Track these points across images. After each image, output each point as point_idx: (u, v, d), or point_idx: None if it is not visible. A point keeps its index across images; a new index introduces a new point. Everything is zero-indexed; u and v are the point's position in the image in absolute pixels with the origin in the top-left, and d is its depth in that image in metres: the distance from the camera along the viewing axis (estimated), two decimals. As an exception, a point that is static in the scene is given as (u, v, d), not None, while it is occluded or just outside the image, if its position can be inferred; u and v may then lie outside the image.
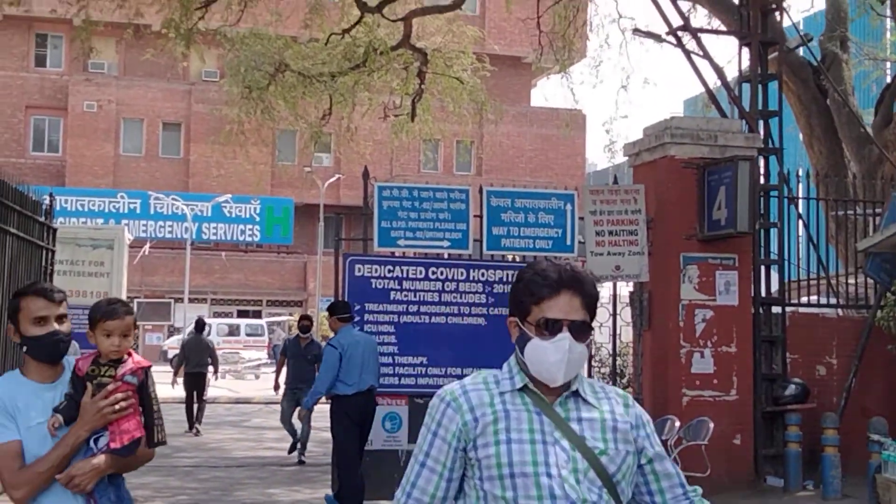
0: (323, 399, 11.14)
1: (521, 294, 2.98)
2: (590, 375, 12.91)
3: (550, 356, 2.89)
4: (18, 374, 3.89)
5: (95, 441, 3.82)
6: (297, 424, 14.81)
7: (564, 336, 2.89)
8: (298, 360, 15.40)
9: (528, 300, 2.95)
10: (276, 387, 16.42)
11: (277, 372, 16.65)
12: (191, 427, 18.35)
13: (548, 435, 2.87)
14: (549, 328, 2.90)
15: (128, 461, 3.89)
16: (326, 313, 11.04)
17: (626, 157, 12.98)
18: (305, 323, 15.90)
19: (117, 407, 3.80)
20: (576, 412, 2.95)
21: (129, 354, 3.97)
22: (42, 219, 12.87)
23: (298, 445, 14.98)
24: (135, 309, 3.95)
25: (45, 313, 3.83)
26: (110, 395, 3.81)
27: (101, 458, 3.78)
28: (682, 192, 11.87)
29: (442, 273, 11.79)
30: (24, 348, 3.84)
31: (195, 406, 18.50)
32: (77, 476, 3.72)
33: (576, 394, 2.98)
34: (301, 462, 14.76)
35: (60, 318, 3.87)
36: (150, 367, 3.99)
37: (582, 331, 2.93)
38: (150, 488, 12.03)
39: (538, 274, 2.97)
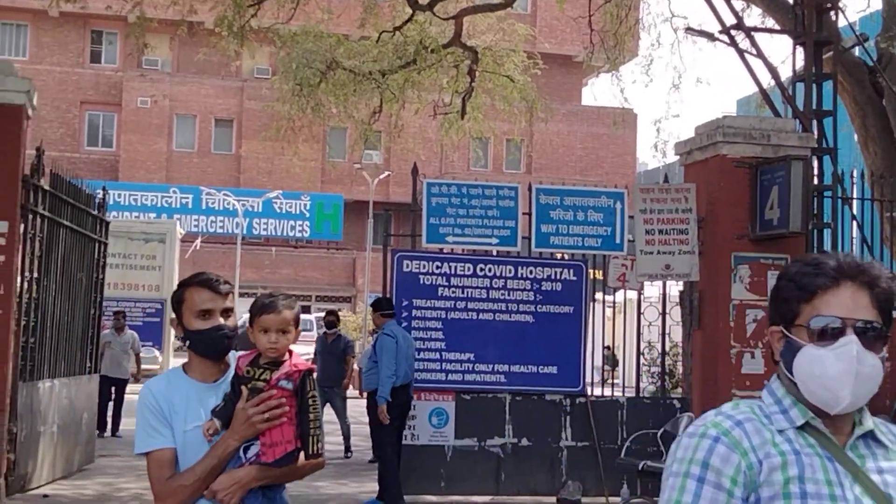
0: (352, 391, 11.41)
1: (787, 291, 2.29)
2: (638, 375, 12.84)
3: (830, 368, 2.18)
4: (180, 372, 3.64)
5: (245, 451, 3.50)
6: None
7: (850, 340, 2.18)
8: (326, 357, 15.00)
9: (797, 297, 2.26)
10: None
11: None
12: None
13: (847, 490, 2.16)
14: (828, 331, 2.20)
15: (285, 472, 3.56)
16: (371, 309, 11.13)
17: (678, 156, 12.89)
18: (331, 318, 15.53)
19: (267, 416, 3.47)
20: (873, 461, 2.23)
21: (290, 354, 3.63)
22: (95, 212, 13.04)
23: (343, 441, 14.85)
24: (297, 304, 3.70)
25: (209, 306, 3.58)
26: (263, 402, 3.49)
27: (246, 471, 3.47)
28: (733, 192, 11.76)
29: (490, 270, 11.80)
30: (187, 343, 3.62)
31: None
32: (220, 492, 3.43)
33: (870, 434, 2.27)
34: (347, 456, 14.81)
35: (226, 312, 3.60)
36: (311, 370, 3.64)
37: (874, 336, 2.21)
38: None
39: (809, 265, 2.30)
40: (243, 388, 3.51)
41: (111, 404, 16.68)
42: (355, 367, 16.93)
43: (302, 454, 3.57)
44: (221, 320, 3.58)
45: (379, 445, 10.86)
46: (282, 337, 3.57)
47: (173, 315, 3.70)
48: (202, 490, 3.43)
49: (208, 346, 3.59)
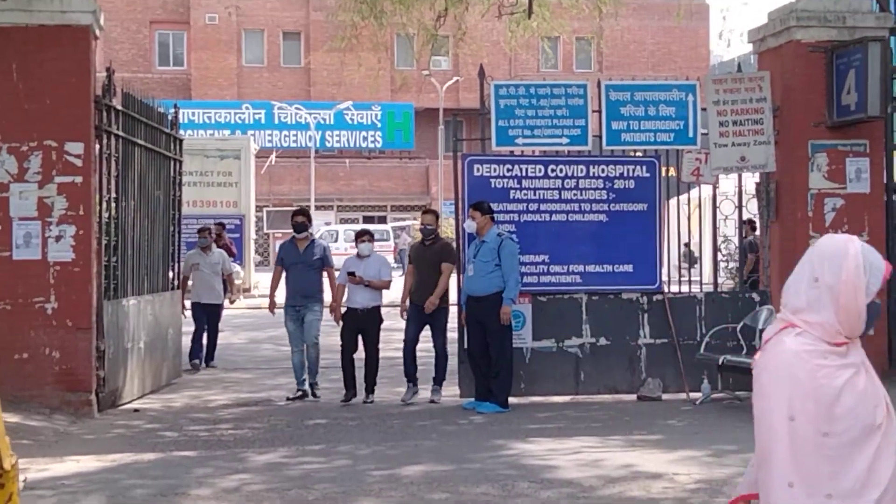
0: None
1: None
2: (716, 270, 12.73)
3: None
4: None
5: None
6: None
7: None
8: (299, 267, 11.97)
9: None
10: (273, 306, 12.73)
11: (273, 288, 12.69)
12: None
13: None
14: None
15: None
16: (477, 212, 10.90)
17: (750, 44, 12.57)
18: (300, 219, 12.23)
19: None
20: None
21: None
22: (168, 130, 13.15)
23: (304, 384, 11.92)
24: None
25: None
26: None
27: None
28: (809, 78, 11.48)
29: (561, 170, 11.71)
30: None
31: None
32: None
33: None
34: (311, 395, 11.90)
35: None
36: None
37: None
38: (286, 388, 12.39)
39: None
40: None
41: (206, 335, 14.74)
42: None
43: None
44: None
45: (504, 346, 10.88)
46: None
47: None
48: None
49: None
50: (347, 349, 11.66)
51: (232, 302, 15.53)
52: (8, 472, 3.99)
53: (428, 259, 11.53)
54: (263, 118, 47.75)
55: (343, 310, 11.81)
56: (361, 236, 12.00)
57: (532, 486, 7.57)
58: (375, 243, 12.26)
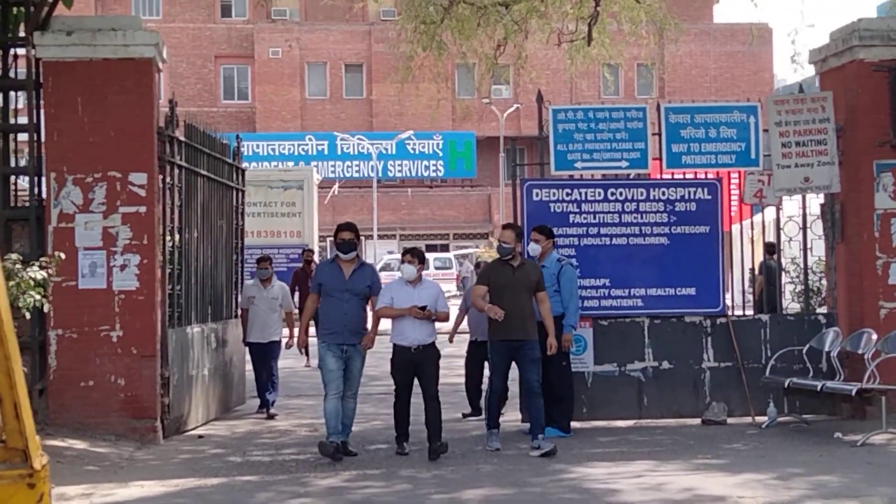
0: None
1: None
2: (780, 292, 12.55)
3: None
4: None
5: None
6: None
7: None
8: (344, 296, 9.86)
9: None
10: (304, 342, 11.22)
11: (307, 320, 10.49)
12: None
13: None
14: None
15: None
16: (542, 235, 10.81)
17: (812, 64, 12.44)
18: (347, 236, 9.95)
19: None
20: None
21: None
22: (231, 160, 13.31)
23: (337, 435, 9.70)
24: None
25: None
26: None
27: None
28: (872, 97, 11.32)
29: (621, 194, 11.66)
30: None
31: None
32: None
33: None
34: (343, 453, 9.68)
35: None
36: None
37: None
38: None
39: None
40: None
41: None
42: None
43: None
44: None
45: (564, 371, 10.76)
46: None
47: None
48: None
49: None
50: (403, 394, 9.91)
51: (288, 346, 13.17)
52: (38, 472, 4.01)
53: (517, 283, 9.96)
54: (326, 149, 48.22)
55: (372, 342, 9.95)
56: (408, 255, 10.06)
57: (594, 511, 7.49)
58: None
